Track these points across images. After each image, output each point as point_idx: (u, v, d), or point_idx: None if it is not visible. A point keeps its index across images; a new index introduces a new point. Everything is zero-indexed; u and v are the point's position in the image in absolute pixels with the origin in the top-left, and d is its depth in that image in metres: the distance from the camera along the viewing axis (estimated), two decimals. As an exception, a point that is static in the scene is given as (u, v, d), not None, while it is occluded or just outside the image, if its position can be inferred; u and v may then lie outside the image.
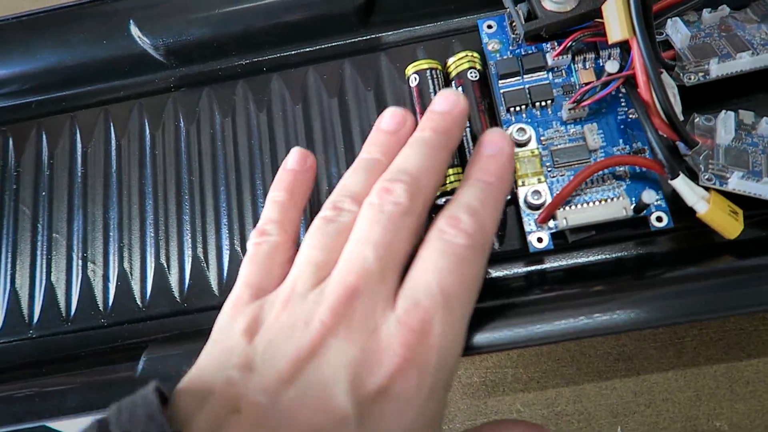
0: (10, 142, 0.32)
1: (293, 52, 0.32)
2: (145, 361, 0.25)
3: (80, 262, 0.30)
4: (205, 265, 0.29)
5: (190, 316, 0.28)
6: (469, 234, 0.21)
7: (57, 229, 0.30)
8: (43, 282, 0.30)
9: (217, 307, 0.28)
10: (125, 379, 0.26)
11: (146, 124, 0.32)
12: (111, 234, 0.30)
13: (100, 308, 0.29)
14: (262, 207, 0.29)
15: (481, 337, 0.24)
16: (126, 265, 0.29)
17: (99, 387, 0.26)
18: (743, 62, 0.27)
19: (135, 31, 0.31)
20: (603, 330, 0.24)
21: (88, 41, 0.31)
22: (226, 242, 0.29)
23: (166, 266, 0.29)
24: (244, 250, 0.29)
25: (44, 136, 0.32)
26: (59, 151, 0.32)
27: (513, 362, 0.29)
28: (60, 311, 0.29)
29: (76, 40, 0.31)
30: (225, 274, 0.28)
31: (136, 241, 0.30)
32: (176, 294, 0.29)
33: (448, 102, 0.24)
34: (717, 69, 0.27)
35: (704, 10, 0.28)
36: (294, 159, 0.25)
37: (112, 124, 0.32)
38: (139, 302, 0.29)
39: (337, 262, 0.20)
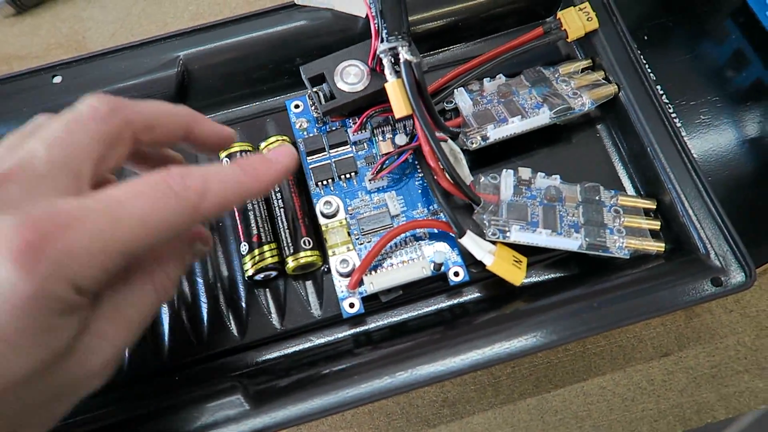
0: None
1: (112, 142, 0.32)
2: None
3: None
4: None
5: None
6: (188, 187, 0.19)
7: None
8: None
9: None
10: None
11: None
12: None
13: None
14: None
15: (304, 406, 0.25)
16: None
17: None
18: (515, 126, 0.30)
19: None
20: (424, 381, 0.25)
21: None
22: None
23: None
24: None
25: None
26: None
27: (347, 422, 0.30)
28: None
29: None
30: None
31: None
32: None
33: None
34: (494, 133, 0.30)
35: (485, 79, 0.32)
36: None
37: None
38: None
39: None
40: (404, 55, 0.27)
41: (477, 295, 0.30)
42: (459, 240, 0.28)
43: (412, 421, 0.30)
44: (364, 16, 0.32)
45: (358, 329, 0.29)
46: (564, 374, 0.30)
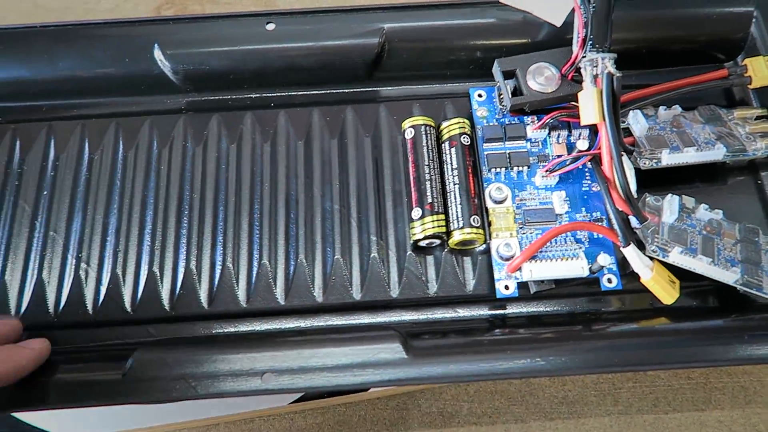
0: (18, 142, 0.34)
1: (301, 93, 0.35)
2: (133, 362, 0.27)
3: (74, 261, 0.31)
4: (197, 277, 0.31)
5: (177, 325, 0.30)
6: None
7: (55, 228, 0.32)
8: (35, 277, 0.31)
9: (205, 318, 0.30)
10: (110, 378, 0.27)
11: (155, 140, 0.34)
12: (108, 239, 0.31)
13: (89, 308, 0.30)
14: (258, 230, 0.32)
15: (443, 369, 0.27)
16: (119, 269, 0.31)
17: (83, 383, 0.27)
18: (689, 156, 0.31)
19: (158, 54, 0.33)
20: (551, 372, 0.27)
21: (110, 57, 0.34)
22: (219, 258, 0.31)
23: (158, 275, 0.31)
24: (236, 268, 0.31)
25: (53, 139, 0.34)
26: (66, 155, 0.33)
27: (470, 397, 0.31)
28: (47, 307, 0.30)
29: (99, 54, 0.33)
30: (215, 288, 0.30)
31: (132, 247, 0.31)
32: (165, 302, 0.30)
33: None
34: (668, 158, 0.31)
35: (660, 107, 0.33)
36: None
37: (121, 136, 0.34)
38: (128, 306, 0.30)
39: None
40: (609, 67, 0.29)
41: (617, 306, 0.31)
42: (623, 249, 0.29)
43: (530, 409, 0.31)
44: (558, 25, 0.34)
45: (499, 311, 0.31)
46: (683, 400, 0.31)
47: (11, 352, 0.26)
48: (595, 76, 0.30)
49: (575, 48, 0.30)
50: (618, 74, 0.29)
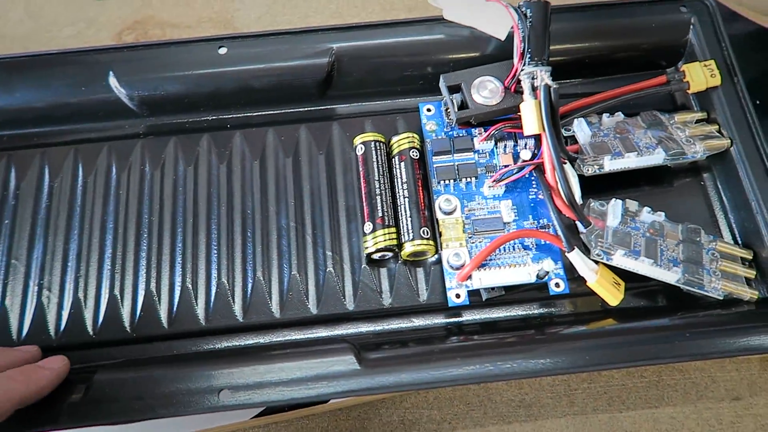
0: (-22, 171, 0.34)
1: (256, 113, 0.36)
2: (92, 384, 0.27)
3: (36, 288, 0.32)
4: (156, 298, 0.31)
5: (138, 346, 0.31)
6: None
7: (16, 256, 0.32)
8: (-3, 305, 0.31)
9: (166, 338, 0.31)
10: (70, 401, 0.27)
11: (113, 165, 0.34)
12: (69, 264, 0.32)
13: (51, 333, 0.31)
14: (216, 249, 0.32)
15: (395, 378, 0.27)
16: (81, 294, 0.31)
17: (43, 407, 0.28)
18: (630, 161, 0.32)
19: (113, 81, 0.34)
20: (499, 377, 0.28)
21: (67, 86, 0.34)
22: (178, 279, 0.32)
23: (119, 297, 0.31)
24: (195, 287, 0.31)
25: (13, 168, 0.34)
26: (26, 183, 0.34)
27: (429, 404, 0.32)
28: (11, 333, 0.31)
29: (56, 83, 0.34)
30: (175, 309, 0.31)
31: (92, 272, 0.32)
32: (127, 324, 0.31)
33: None
34: (609, 164, 0.32)
35: (604, 114, 0.34)
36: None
37: (80, 163, 0.34)
38: (90, 330, 0.31)
39: None
40: (546, 79, 0.30)
41: (568, 309, 0.32)
42: (567, 254, 0.30)
43: (488, 414, 0.32)
44: (502, 38, 0.35)
45: (454, 319, 0.32)
46: (637, 399, 0.32)
47: (32, 373, 0.26)
48: (534, 88, 0.31)
49: (515, 61, 0.32)
50: (555, 86, 0.30)
